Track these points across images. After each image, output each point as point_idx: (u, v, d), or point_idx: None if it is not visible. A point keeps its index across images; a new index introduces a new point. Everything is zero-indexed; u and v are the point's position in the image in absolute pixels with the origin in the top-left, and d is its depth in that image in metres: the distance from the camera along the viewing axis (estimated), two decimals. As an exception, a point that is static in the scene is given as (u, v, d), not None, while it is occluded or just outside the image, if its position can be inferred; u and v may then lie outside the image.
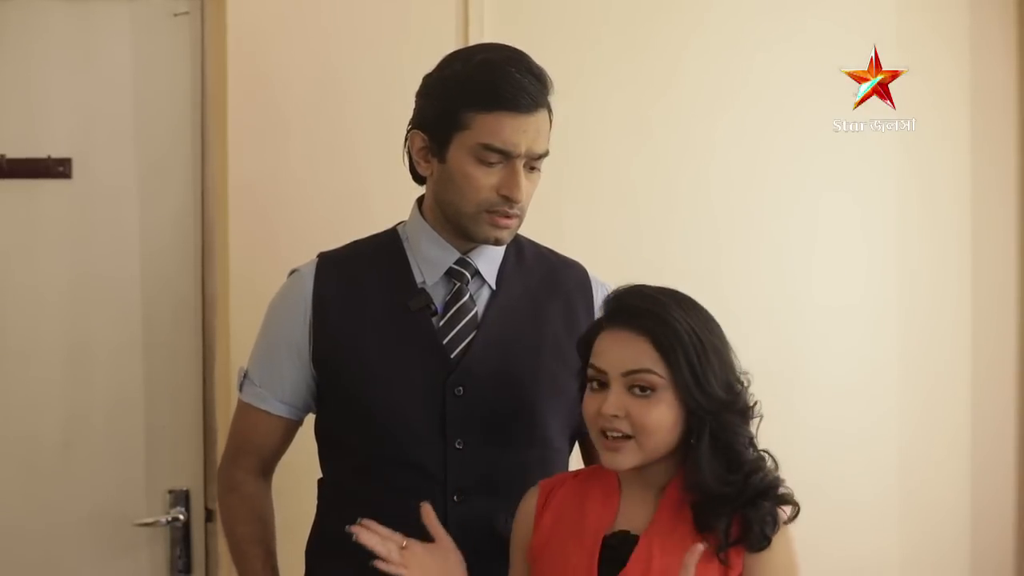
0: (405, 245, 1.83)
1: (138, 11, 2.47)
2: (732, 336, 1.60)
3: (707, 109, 2.63)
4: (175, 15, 2.47)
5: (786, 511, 1.56)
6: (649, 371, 1.52)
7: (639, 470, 1.57)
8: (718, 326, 1.59)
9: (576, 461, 1.91)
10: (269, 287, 1.90)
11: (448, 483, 1.74)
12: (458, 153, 1.70)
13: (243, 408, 1.89)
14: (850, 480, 2.70)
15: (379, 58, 2.45)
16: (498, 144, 1.67)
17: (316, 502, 1.89)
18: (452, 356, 1.76)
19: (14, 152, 2.46)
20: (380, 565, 1.56)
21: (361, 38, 2.46)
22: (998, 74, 2.74)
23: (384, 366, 1.76)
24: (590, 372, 1.58)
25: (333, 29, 2.45)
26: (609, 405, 1.53)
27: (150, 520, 2.47)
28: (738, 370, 1.59)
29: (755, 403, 1.59)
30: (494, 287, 1.82)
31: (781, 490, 1.57)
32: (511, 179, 1.69)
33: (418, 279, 1.80)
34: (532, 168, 1.72)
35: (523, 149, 1.68)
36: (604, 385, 1.55)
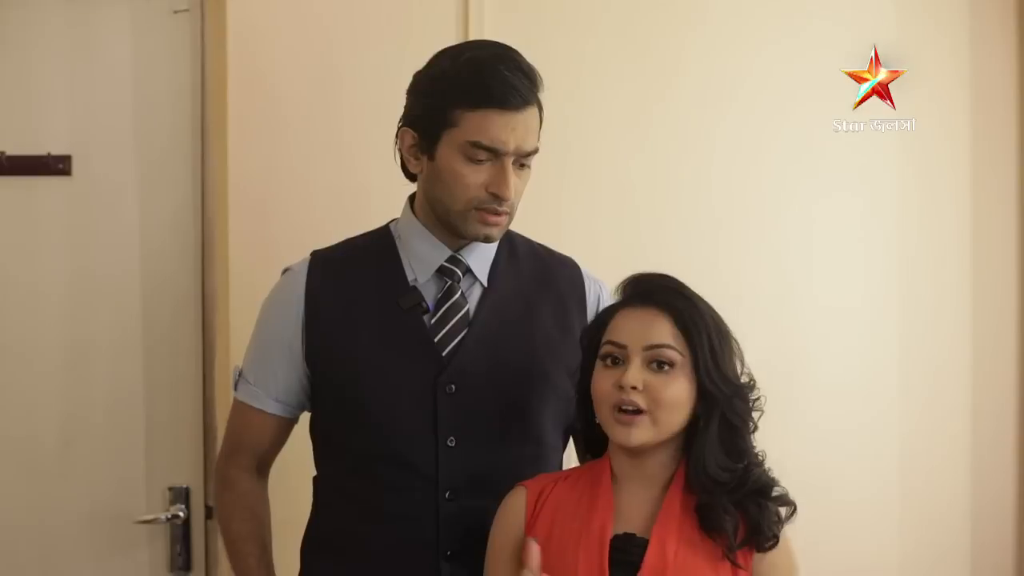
0: (397, 243, 1.83)
1: (138, 8, 2.47)
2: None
3: (707, 108, 2.63)
4: (175, 12, 2.47)
5: (782, 512, 1.57)
6: (670, 346, 1.55)
7: (638, 465, 1.58)
8: (725, 323, 1.62)
9: (571, 459, 1.91)
10: (269, 285, 1.90)
11: (440, 481, 1.73)
12: (447, 151, 1.70)
13: (238, 406, 1.90)
14: (850, 480, 2.70)
15: (378, 56, 2.45)
16: (486, 142, 1.67)
17: (311, 500, 1.89)
18: (444, 354, 1.76)
19: (14, 149, 2.46)
20: None
21: (361, 36, 2.46)
22: (998, 74, 2.74)
23: (376, 364, 1.75)
24: (605, 348, 1.59)
25: (333, 27, 2.45)
26: (629, 377, 1.54)
27: (150, 517, 2.47)
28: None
29: (760, 397, 1.61)
30: (486, 284, 1.82)
31: (778, 490, 1.58)
32: (500, 177, 1.68)
33: (410, 277, 1.80)
34: (522, 165, 1.72)
35: (512, 147, 1.67)
36: (618, 361, 1.56)
